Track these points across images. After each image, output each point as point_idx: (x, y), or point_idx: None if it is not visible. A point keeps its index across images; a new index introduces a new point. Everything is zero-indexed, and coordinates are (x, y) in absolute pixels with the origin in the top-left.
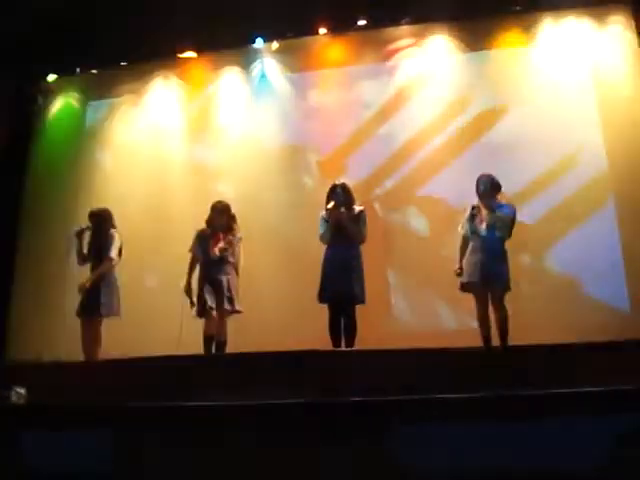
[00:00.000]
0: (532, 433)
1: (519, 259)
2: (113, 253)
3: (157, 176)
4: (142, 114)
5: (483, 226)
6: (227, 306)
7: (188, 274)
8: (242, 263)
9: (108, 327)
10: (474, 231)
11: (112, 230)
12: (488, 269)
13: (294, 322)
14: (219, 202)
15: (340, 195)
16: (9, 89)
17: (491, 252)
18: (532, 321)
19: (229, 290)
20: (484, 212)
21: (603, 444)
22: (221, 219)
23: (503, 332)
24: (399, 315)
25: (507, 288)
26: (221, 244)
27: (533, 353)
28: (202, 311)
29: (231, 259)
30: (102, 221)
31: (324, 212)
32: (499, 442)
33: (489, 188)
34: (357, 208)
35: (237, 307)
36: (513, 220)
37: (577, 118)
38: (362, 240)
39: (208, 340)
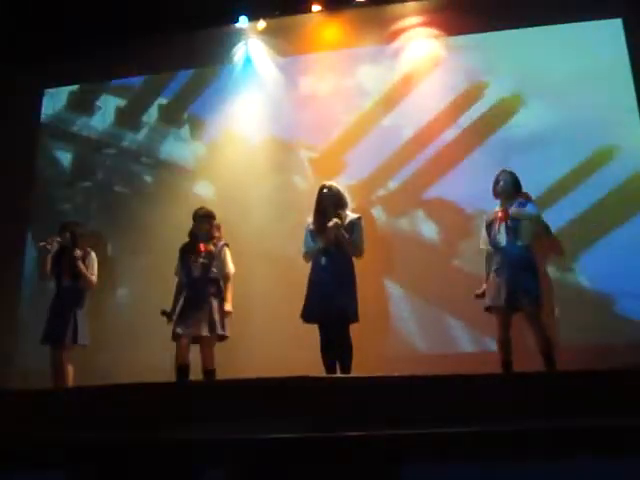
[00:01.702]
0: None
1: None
2: (95, 275)
3: (123, 175)
4: (105, 103)
5: (502, 235)
6: (205, 332)
7: (175, 298)
8: (232, 271)
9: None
10: (494, 243)
11: (88, 249)
12: (514, 287)
13: (283, 343)
14: (201, 208)
15: (328, 198)
16: None
17: (516, 265)
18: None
19: (210, 313)
20: (502, 218)
21: None
22: (204, 227)
23: (548, 356)
24: (404, 336)
25: (539, 304)
26: (201, 259)
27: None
28: (175, 336)
29: (214, 274)
30: (76, 234)
31: (310, 221)
32: None
33: (509, 186)
34: (351, 215)
35: (219, 331)
36: (537, 220)
37: (610, 109)
38: (360, 254)
39: (179, 369)
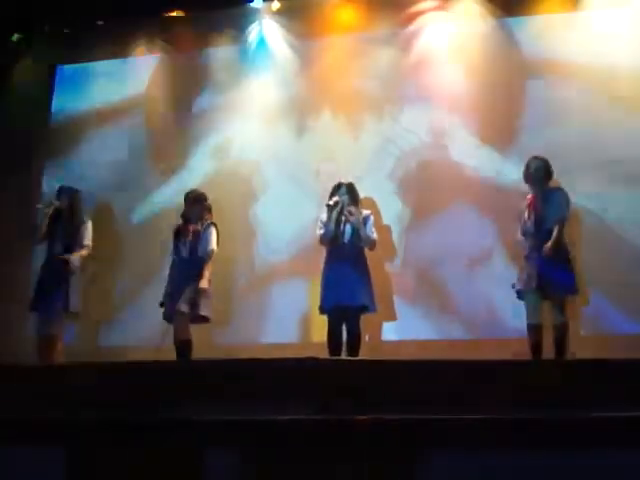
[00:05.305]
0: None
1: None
2: (89, 241)
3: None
4: (121, 82)
5: (531, 221)
6: (185, 309)
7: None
8: (213, 248)
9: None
10: (525, 230)
11: (85, 217)
12: (545, 274)
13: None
14: (192, 191)
15: (344, 194)
16: None
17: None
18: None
19: (193, 292)
20: (531, 204)
21: None
22: (194, 210)
23: (561, 343)
24: (409, 321)
25: (572, 292)
26: (189, 239)
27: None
28: (167, 316)
29: (201, 253)
30: (75, 201)
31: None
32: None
33: (540, 173)
34: (364, 212)
35: (202, 312)
36: (567, 207)
37: (635, 100)
38: (372, 246)
39: (178, 346)
